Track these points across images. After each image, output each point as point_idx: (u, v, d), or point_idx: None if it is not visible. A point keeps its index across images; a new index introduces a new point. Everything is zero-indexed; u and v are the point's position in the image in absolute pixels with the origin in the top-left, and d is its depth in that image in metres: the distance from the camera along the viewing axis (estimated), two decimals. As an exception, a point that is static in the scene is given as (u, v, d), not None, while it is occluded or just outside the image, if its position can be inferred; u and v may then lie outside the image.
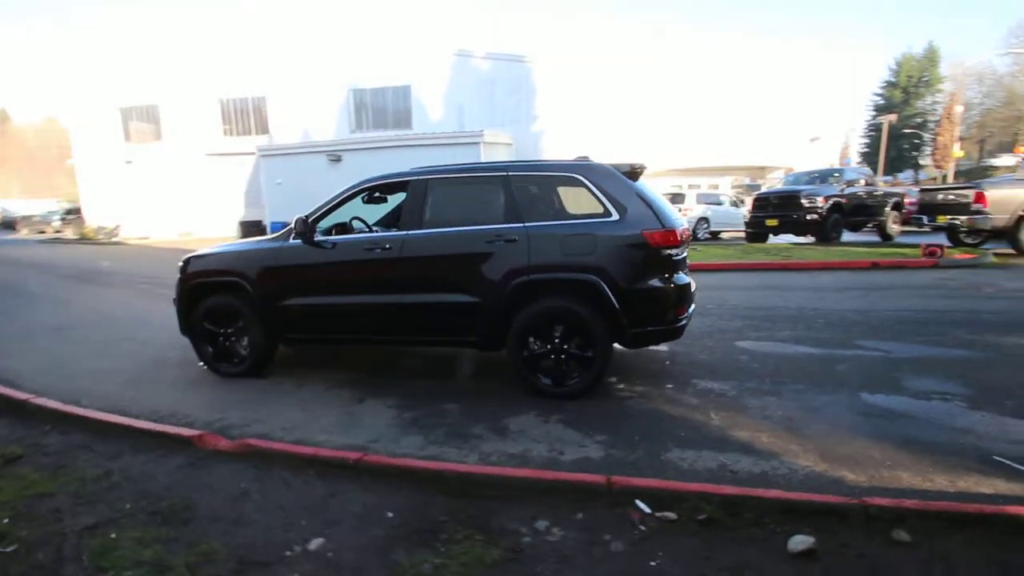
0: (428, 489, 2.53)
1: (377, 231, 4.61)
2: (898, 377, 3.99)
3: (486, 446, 3.05)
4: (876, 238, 14.32)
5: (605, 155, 4.13)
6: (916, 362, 4.33)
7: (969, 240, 10.69)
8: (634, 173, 3.79)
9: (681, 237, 3.60)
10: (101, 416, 3.33)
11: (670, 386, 3.98)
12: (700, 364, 4.46)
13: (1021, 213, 9.25)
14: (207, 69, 20.84)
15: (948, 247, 9.68)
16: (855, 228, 14.31)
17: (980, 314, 5.79)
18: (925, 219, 11.15)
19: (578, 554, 2.04)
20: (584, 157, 4.09)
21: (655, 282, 3.57)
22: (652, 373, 4.29)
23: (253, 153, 18.78)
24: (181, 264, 4.54)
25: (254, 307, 4.21)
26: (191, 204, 21.43)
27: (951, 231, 10.72)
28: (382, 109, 19.67)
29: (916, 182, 40.81)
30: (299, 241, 4.09)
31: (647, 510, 2.27)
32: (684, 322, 3.73)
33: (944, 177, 35.30)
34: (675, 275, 3.63)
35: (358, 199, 4.28)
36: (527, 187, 3.77)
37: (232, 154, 20.74)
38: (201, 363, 4.64)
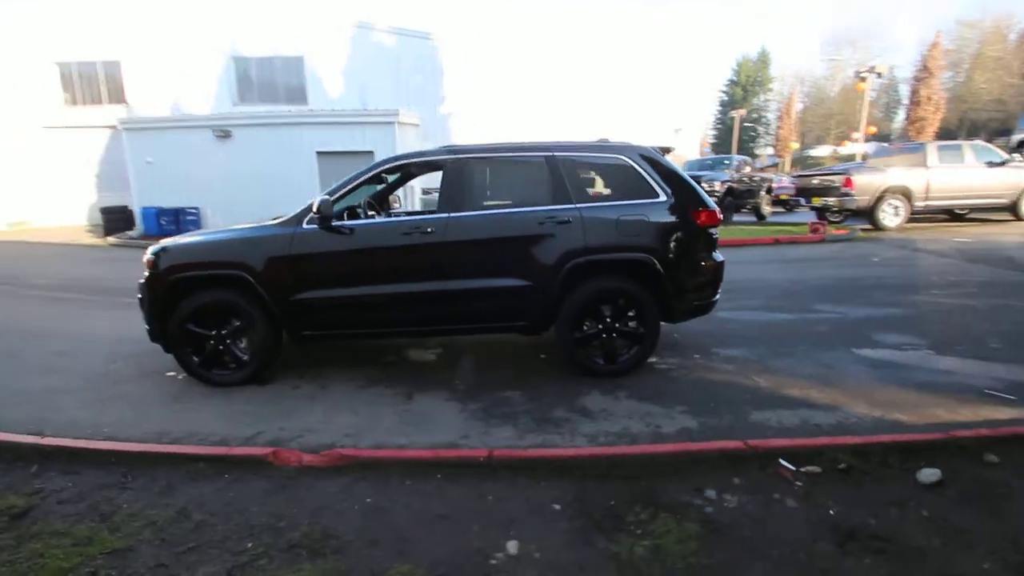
0: (575, 476, 2.48)
1: (385, 215, 4.24)
2: (868, 334, 4.68)
3: (584, 428, 3.04)
4: (752, 218, 16.36)
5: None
6: (869, 321, 5.11)
7: (834, 218, 12.69)
8: (666, 155, 3.95)
9: (719, 216, 3.85)
10: (123, 447, 2.70)
11: (697, 356, 4.26)
12: (704, 335, 4.82)
13: (879, 195, 11.21)
14: (39, 26, 17.00)
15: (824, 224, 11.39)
16: (737, 209, 16.20)
17: (884, 279, 6.97)
18: (803, 200, 12.99)
19: (765, 515, 2.17)
20: (604, 139, 4.15)
21: (701, 259, 3.78)
22: (670, 346, 4.53)
23: (111, 127, 15.83)
24: (150, 257, 3.78)
25: (260, 303, 3.67)
26: (24, 187, 17.54)
27: (822, 211, 12.62)
28: (270, 82, 17.71)
29: (754, 169, 47.58)
30: (315, 226, 3.63)
31: (791, 467, 2.46)
32: (719, 296, 4.00)
33: (782, 165, 41.23)
34: (714, 252, 3.87)
35: (375, 180, 3.90)
36: (574, 168, 3.74)
37: (79, 127, 17.29)
38: (175, 373, 3.97)
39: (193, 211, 14.54)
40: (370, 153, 14.35)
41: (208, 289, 3.72)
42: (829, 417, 3.09)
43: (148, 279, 3.77)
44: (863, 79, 30.03)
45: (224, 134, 14.43)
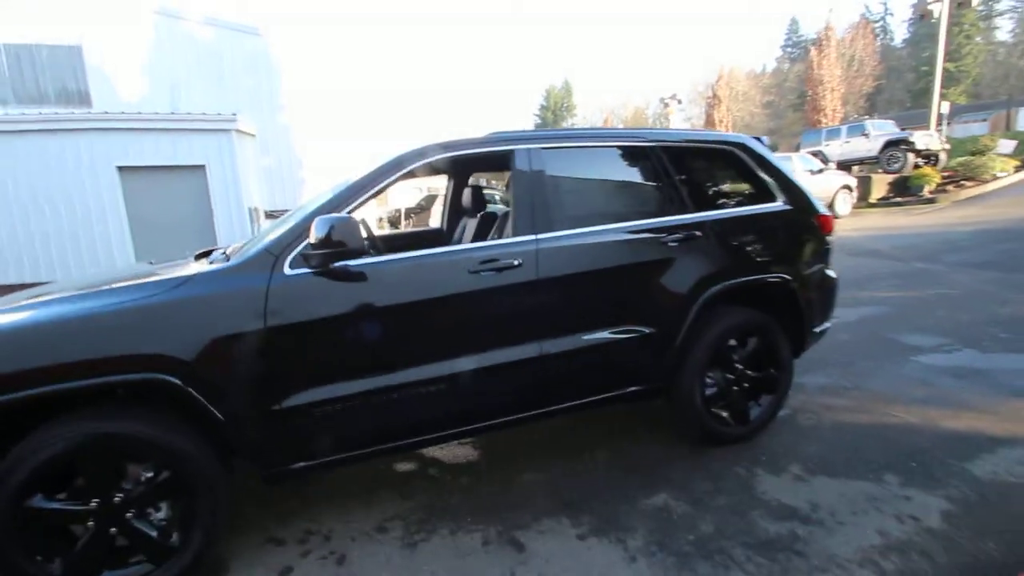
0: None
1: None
2: (892, 337, 4.50)
3: (835, 546, 2.00)
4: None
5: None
6: (872, 322, 5.00)
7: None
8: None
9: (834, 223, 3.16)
10: None
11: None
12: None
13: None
14: None
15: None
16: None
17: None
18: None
19: None
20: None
21: (828, 276, 3.05)
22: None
23: None
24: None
25: (202, 424, 1.88)
26: None
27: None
28: (32, 78, 12.92)
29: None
30: (307, 270, 1.99)
31: None
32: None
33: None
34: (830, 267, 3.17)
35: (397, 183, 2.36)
36: (683, 164, 2.70)
37: None
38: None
39: (-96, 256, 9.86)
40: (201, 168, 11.36)
41: (72, 419, 1.78)
42: (1037, 454, 2.55)
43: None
44: (667, 105, 34.52)
45: (-42, 143, 10.07)
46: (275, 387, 1.94)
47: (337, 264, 2.00)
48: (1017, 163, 16.30)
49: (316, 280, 1.99)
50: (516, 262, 2.22)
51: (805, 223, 2.91)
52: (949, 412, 3.08)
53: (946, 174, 16.09)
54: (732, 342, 2.72)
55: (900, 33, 56.43)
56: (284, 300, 1.93)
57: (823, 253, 3.01)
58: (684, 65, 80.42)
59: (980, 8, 40.81)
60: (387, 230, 22.10)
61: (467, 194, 3.37)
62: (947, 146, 16.62)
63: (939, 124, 19.02)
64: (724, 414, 2.78)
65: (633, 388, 2.58)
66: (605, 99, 65.47)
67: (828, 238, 3.05)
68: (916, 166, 15.86)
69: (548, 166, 2.40)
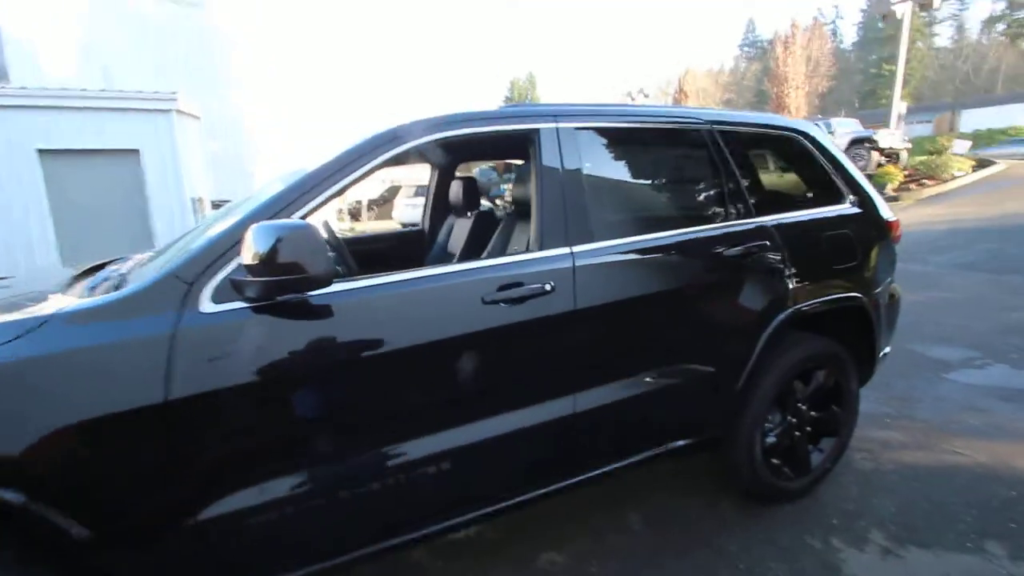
0: None
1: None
2: (917, 350, 4.14)
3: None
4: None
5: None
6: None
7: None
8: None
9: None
10: None
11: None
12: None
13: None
14: None
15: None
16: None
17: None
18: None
19: None
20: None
21: (895, 292, 2.56)
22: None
23: None
24: None
25: (78, 557, 1.18)
26: None
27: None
28: None
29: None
30: (239, 305, 1.29)
31: None
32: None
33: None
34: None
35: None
36: (743, 154, 2.13)
37: None
38: None
39: None
40: (134, 153, 10.15)
41: None
42: None
43: None
44: (633, 99, 34.55)
45: None
46: (188, 492, 1.24)
47: (287, 297, 1.31)
48: (974, 163, 16.79)
49: (254, 320, 1.30)
50: (548, 286, 1.59)
51: (876, 229, 2.41)
52: (1018, 448, 2.66)
53: (907, 173, 16.40)
54: (798, 377, 2.19)
55: (849, 36, 58.75)
56: (200, 355, 1.24)
57: (891, 265, 2.52)
58: (643, 62, 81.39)
59: (923, 15, 42.66)
60: (347, 224, 20.87)
61: (455, 188, 2.71)
62: (909, 145, 16.97)
63: (898, 123, 19.48)
64: (779, 463, 2.25)
65: (683, 442, 2.01)
66: (567, 94, 65.61)
67: (895, 247, 2.56)
68: (879, 164, 16.09)
69: (585, 153, 1.78)
